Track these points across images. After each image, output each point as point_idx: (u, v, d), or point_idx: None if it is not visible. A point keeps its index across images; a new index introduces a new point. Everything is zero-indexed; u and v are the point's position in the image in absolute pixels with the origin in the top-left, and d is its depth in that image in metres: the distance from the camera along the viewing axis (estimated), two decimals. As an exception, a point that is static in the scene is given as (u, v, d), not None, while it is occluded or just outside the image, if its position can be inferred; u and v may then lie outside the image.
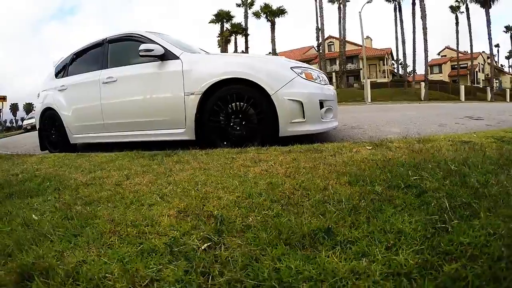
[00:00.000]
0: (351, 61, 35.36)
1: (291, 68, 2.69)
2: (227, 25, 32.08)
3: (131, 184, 1.72)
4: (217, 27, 32.63)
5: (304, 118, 2.57)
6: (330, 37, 36.57)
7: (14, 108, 73.69)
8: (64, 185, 1.85)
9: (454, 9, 33.68)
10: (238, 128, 2.71)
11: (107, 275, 0.82)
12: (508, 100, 26.78)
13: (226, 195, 1.36)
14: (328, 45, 36.55)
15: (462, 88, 25.87)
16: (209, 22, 32.36)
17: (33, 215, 1.31)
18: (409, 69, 35.78)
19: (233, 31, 31.70)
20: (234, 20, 31.89)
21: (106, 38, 3.70)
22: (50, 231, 1.14)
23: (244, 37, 31.67)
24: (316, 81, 2.77)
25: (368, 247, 0.82)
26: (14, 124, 65.24)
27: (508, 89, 30.92)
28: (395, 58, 38.85)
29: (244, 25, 31.11)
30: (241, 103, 2.66)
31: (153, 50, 2.91)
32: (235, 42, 32.44)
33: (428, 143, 2.17)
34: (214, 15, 31.89)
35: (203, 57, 3.09)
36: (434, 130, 3.44)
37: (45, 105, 4.23)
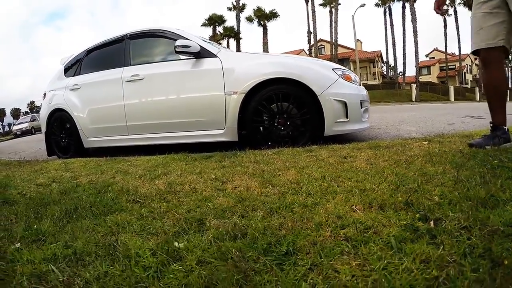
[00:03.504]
0: (341, 64, 35.77)
1: (332, 69, 2.71)
2: (219, 29, 32.09)
3: (239, 188, 1.49)
4: (208, 30, 32.66)
5: (347, 117, 2.58)
6: (321, 40, 36.97)
7: (0, 113, 70.96)
8: (138, 195, 1.54)
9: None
10: (282, 128, 2.65)
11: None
12: (495, 100, 27.50)
13: (373, 186, 1.32)
14: (319, 48, 36.92)
15: (452, 89, 26.50)
16: (201, 26, 32.37)
17: (175, 243, 0.98)
18: (398, 70, 36.43)
19: (226, 34, 31.70)
20: (226, 24, 31.98)
21: (126, 34, 3.49)
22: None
23: (236, 41, 31.69)
24: (353, 82, 2.79)
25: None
26: (1, 130, 62.84)
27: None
28: (384, 60, 39.65)
29: (236, 28, 31.11)
30: (286, 103, 2.62)
31: (190, 46, 2.79)
32: (228, 45, 32.41)
33: (469, 138, 2.27)
34: (206, 19, 31.87)
35: (244, 56, 2.98)
36: (446, 128, 3.50)
37: (53, 106, 3.84)
